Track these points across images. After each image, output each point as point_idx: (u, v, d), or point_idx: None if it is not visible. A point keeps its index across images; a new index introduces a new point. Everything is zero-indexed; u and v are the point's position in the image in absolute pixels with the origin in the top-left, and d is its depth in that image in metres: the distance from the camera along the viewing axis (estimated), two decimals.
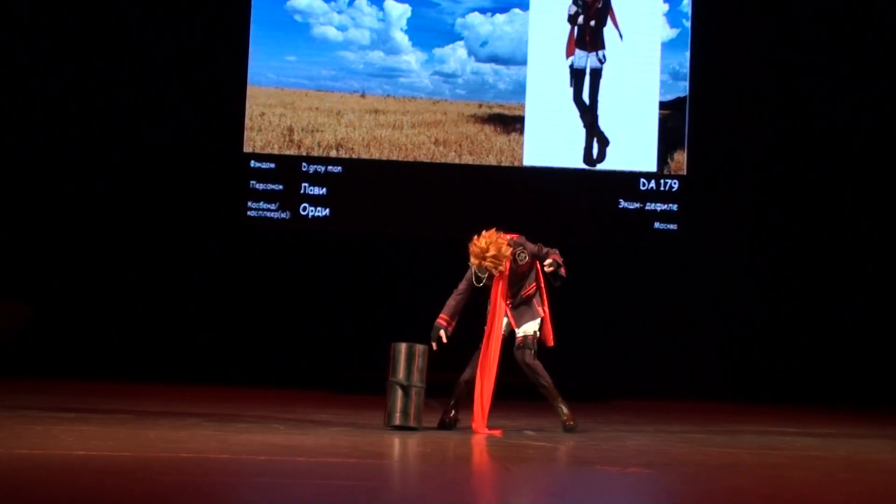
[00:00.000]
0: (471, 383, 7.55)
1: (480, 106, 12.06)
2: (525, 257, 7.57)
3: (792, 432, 8.24)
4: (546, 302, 7.72)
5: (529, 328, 7.61)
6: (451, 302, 7.68)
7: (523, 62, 12.09)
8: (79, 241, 11.78)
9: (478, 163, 11.99)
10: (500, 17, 12.13)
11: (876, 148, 12.26)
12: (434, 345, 7.55)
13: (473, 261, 7.52)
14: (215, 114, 11.88)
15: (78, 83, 11.83)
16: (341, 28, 12.01)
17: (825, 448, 7.22)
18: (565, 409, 7.57)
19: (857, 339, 12.06)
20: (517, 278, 7.60)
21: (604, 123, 12.04)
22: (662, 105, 12.09)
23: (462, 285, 7.70)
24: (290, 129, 11.89)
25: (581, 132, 12.06)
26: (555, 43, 12.10)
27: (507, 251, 7.47)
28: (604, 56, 12.07)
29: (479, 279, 7.59)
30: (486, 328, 7.58)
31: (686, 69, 12.12)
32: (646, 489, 5.50)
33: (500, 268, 7.47)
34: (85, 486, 4.78)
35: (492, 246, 7.42)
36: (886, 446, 7.51)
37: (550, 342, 7.74)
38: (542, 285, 7.71)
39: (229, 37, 11.87)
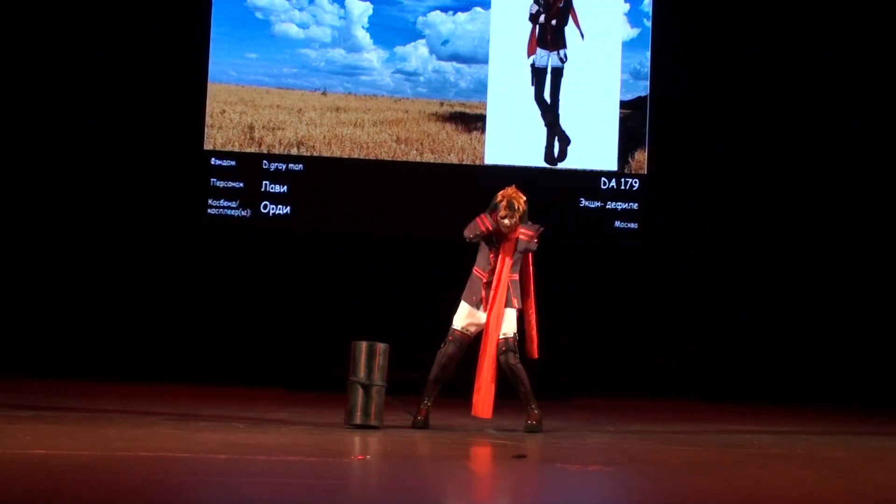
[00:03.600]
0: (440, 381, 7.63)
1: (442, 104, 12.07)
2: (532, 230, 7.68)
3: (750, 430, 8.31)
4: (532, 306, 7.74)
5: (509, 327, 7.60)
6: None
7: (485, 61, 12.10)
8: (33, 237, 11.66)
9: (439, 161, 11.99)
10: (461, 16, 12.14)
11: (837, 144, 12.37)
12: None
13: (499, 199, 7.65)
14: (175, 111, 11.80)
15: (35, 81, 11.71)
16: (302, 25, 11.97)
17: (783, 446, 7.29)
18: (536, 411, 7.60)
19: (815, 337, 12.18)
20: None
21: (565, 122, 12.08)
22: (623, 104, 12.15)
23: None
24: (251, 127, 11.84)
25: (542, 131, 12.09)
26: (516, 42, 12.13)
27: (523, 207, 7.65)
28: (565, 55, 12.11)
29: (492, 242, 7.63)
30: (488, 307, 7.57)
31: (647, 69, 12.18)
32: (606, 487, 5.52)
33: (516, 216, 7.57)
34: (43, 486, 4.74)
35: (515, 194, 7.68)
36: (842, 443, 7.59)
37: (534, 354, 7.76)
38: (531, 283, 7.75)
39: (189, 34, 11.79)
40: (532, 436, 7.35)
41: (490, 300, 7.58)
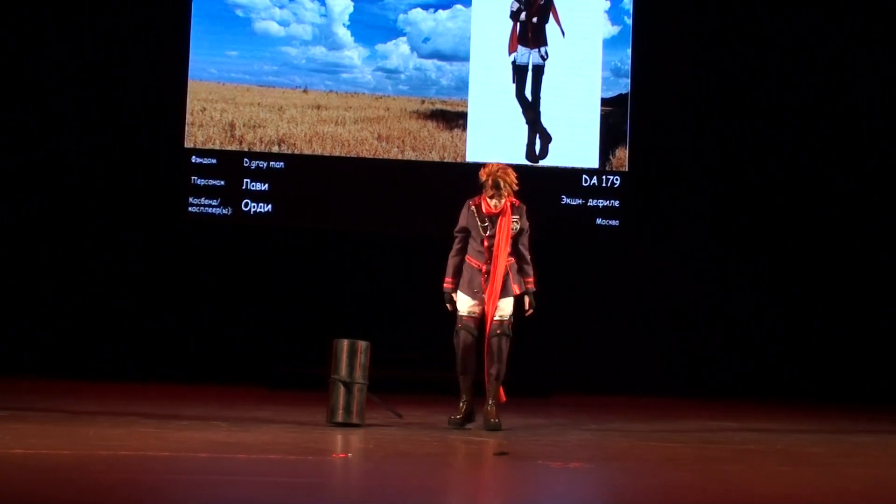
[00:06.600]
0: (468, 372, 7.58)
1: (423, 102, 12.06)
2: (519, 218, 7.53)
3: (731, 426, 8.33)
4: (526, 281, 7.64)
5: (506, 308, 7.52)
6: (451, 262, 7.61)
7: (466, 58, 12.11)
8: (10, 236, 11.59)
9: (421, 159, 11.99)
10: (442, 14, 12.13)
11: (820, 140, 12.40)
12: (448, 306, 7.59)
13: (484, 178, 7.40)
14: (156, 109, 11.75)
15: (15, 79, 11.66)
16: (283, 23, 11.95)
17: (763, 442, 7.31)
18: (495, 408, 7.52)
19: (795, 334, 12.23)
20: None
21: (546, 120, 12.09)
22: (604, 102, 12.17)
23: (456, 245, 7.62)
24: (232, 125, 11.81)
25: (523, 128, 12.10)
26: (497, 39, 12.14)
27: (514, 184, 7.41)
28: (546, 53, 12.13)
29: (484, 227, 7.45)
30: (488, 296, 7.45)
31: (627, 66, 12.21)
32: (587, 484, 5.54)
33: (504, 195, 7.36)
34: (23, 485, 4.72)
35: (501, 171, 7.41)
36: (822, 439, 7.63)
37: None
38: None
39: (170, 31, 11.75)
40: (495, 434, 7.31)
41: (490, 290, 7.46)
